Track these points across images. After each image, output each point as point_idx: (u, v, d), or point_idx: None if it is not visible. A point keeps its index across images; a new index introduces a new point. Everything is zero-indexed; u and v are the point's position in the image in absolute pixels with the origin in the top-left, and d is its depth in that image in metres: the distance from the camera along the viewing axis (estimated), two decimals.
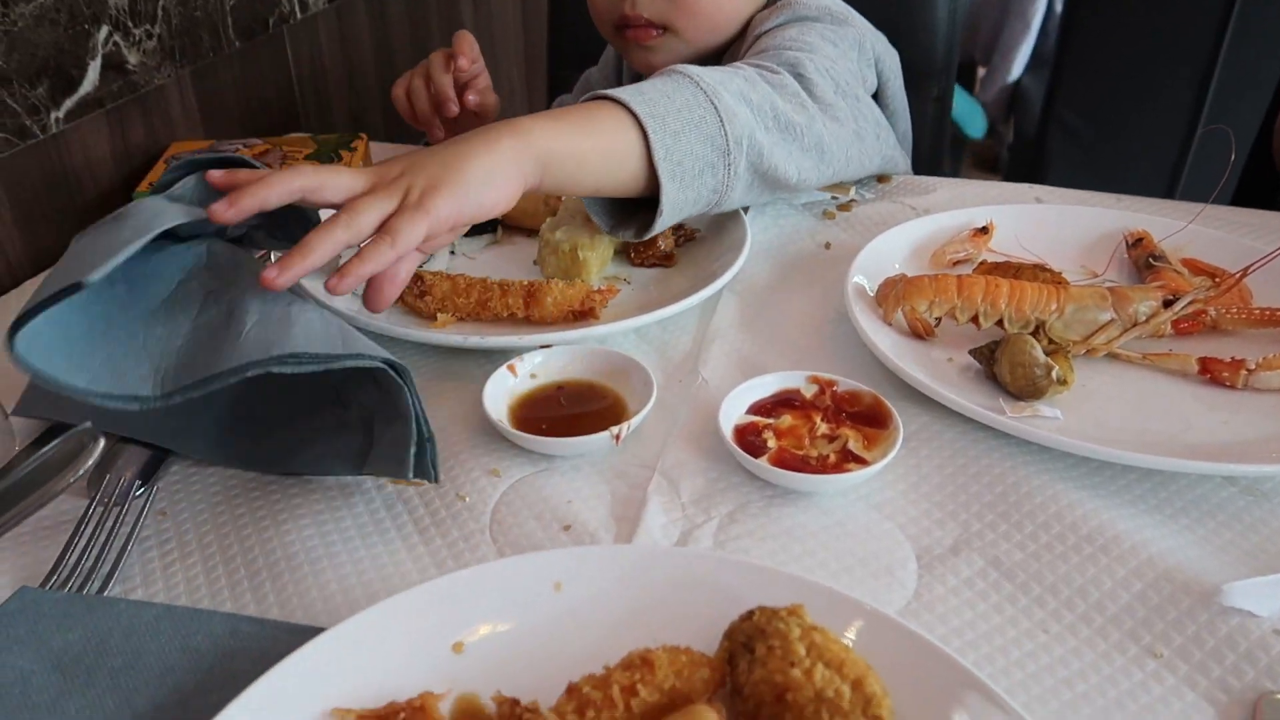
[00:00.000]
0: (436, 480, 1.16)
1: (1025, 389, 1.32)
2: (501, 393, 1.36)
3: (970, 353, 1.41)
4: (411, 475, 1.14)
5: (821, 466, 1.23)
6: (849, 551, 1.14)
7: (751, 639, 0.90)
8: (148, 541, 1.16)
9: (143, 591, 1.09)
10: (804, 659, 0.86)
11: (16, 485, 0.87)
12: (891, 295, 1.49)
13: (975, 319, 1.46)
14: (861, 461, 1.23)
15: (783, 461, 1.23)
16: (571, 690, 0.88)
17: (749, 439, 1.27)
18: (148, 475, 1.23)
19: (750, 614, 0.93)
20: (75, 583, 1.08)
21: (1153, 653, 1.00)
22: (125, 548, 1.12)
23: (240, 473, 1.26)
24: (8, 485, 0.88)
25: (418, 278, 1.53)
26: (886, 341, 1.43)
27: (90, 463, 0.87)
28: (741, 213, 1.81)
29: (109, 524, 1.15)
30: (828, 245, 1.84)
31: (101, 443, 0.89)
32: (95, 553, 1.11)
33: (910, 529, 1.17)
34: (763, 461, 1.21)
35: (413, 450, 1.13)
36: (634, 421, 1.28)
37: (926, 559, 1.13)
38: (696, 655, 0.90)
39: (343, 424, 1.25)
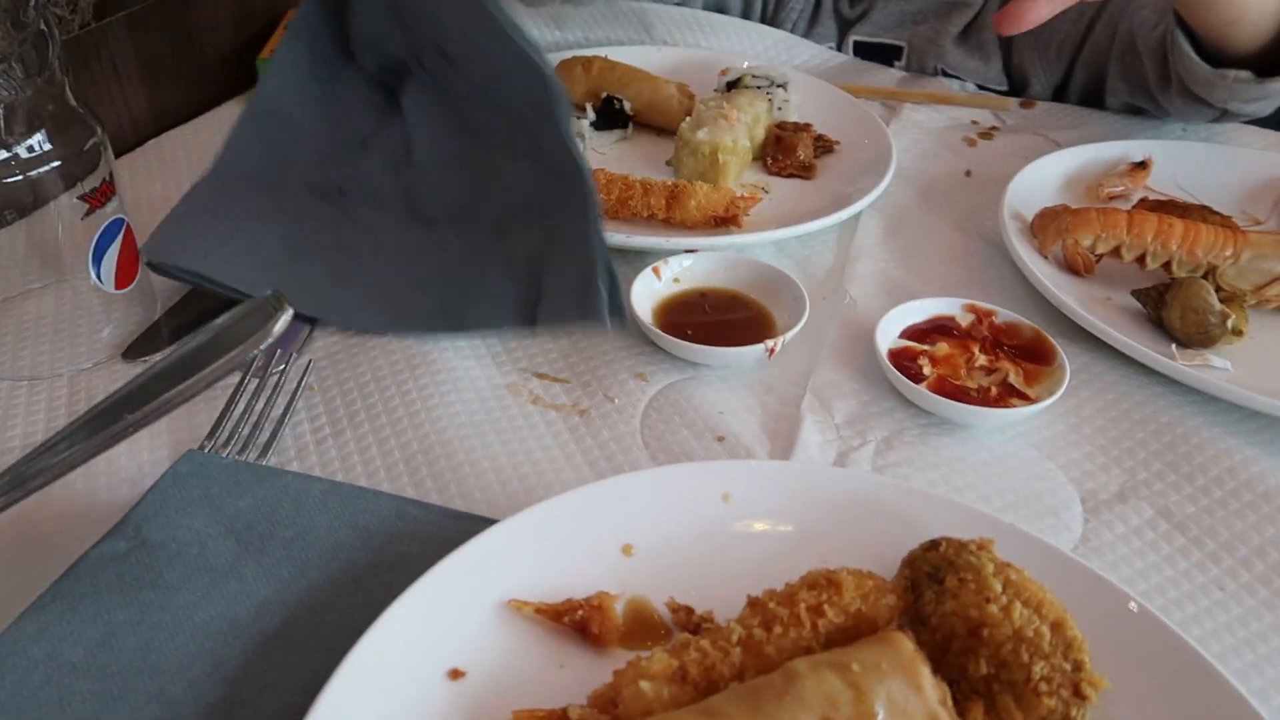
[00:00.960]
0: (624, 322, 1.21)
1: (1196, 336, 1.26)
2: (646, 295, 1.32)
3: (1134, 294, 1.35)
4: (607, 315, 1.18)
5: (982, 399, 1.19)
6: (1010, 489, 1.11)
7: (939, 569, 0.87)
8: (299, 417, 1.16)
9: (298, 465, 1.09)
10: (1000, 595, 0.83)
11: (206, 349, 0.86)
12: (1052, 227, 1.42)
13: (1141, 258, 1.39)
14: (1023, 397, 1.19)
15: (942, 390, 1.19)
16: (755, 604, 0.87)
17: (904, 364, 1.23)
18: (299, 349, 1.22)
19: (935, 544, 0.90)
20: (232, 452, 1.08)
21: None
22: (283, 419, 1.12)
23: (386, 354, 1.25)
24: (197, 348, 0.86)
25: None
26: (1044, 275, 1.37)
27: (279, 327, 0.85)
28: (885, 128, 1.73)
29: (263, 396, 1.14)
30: (968, 173, 1.76)
31: (290, 310, 0.87)
32: (251, 423, 1.11)
33: (1073, 471, 1.13)
34: (923, 389, 1.17)
35: (602, 288, 1.18)
36: (789, 335, 1.24)
37: (1092, 503, 1.09)
38: (881, 580, 0.88)
39: (509, 264, 1.28)
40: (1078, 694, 0.78)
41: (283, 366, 1.19)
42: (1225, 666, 0.88)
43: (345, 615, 0.87)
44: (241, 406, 1.12)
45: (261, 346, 0.86)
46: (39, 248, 1.26)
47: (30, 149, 1.09)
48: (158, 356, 0.86)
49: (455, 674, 0.83)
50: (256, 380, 1.15)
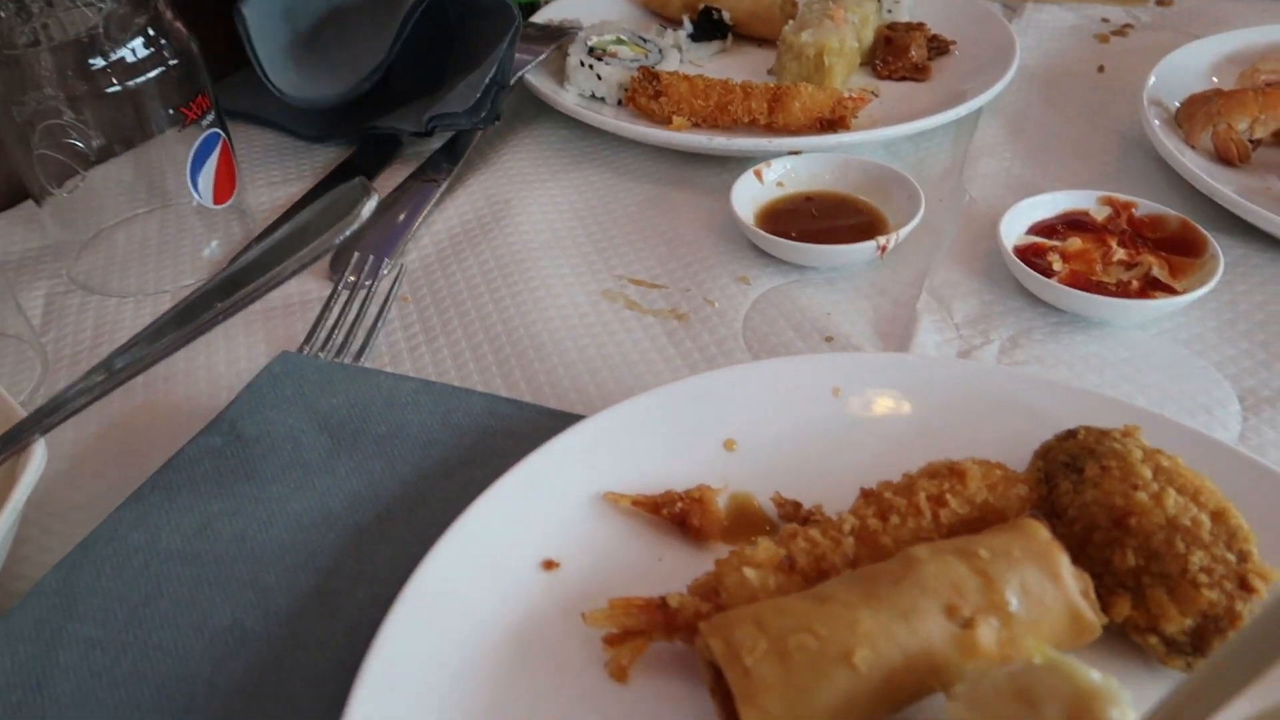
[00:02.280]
0: (495, 119, 1.38)
1: None
2: (747, 199, 1.25)
3: None
4: (480, 119, 1.35)
5: (1121, 293, 1.07)
6: (1155, 386, 1.00)
7: (1077, 458, 0.79)
8: (391, 324, 1.14)
9: (391, 369, 1.07)
10: (1150, 482, 0.74)
11: (293, 237, 0.84)
12: (1201, 112, 1.28)
13: None
14: (1169, 291, 1.07)
15: (1075, 285, 1.08)
16: (869, 495, 0.80)
17: (1032, 260, 1.12)
18: (390, 257, 1.20)
19: (1073, 433, 0.81)
20: (327, 357, 1.06)
21: None
22: (375, 325, 1.10)
23: (479, 263, 1.22)
24: (285, 237, 0.84)
25: (652, 77, 1.42)
26: (1194, 164, 1.24)
27: (366, 211, 0.82)
28: (1008, 25, 1.60)
29: (357, 303, 1.13)
30: (1101, 69, 1.61)
31: (375, 196, 0.84)
32: (344, 330, 1.09)
33: (1229, 368, 1.02)
34: (1054, 283, 1.07)
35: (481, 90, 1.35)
36: (902, 232, 1.15)
37: (1251, 401, 0.98)
38: (1011, 471, 0.80)
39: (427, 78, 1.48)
40: (1244, 586, 0.68)
41: (372, 279, 1.17)
42: None
43: (438, 509, 0.84)
44: (335, 314, 1.11)
45: (348, 231, 0.83)
46: (144, 173, 1.27)
47: (129, 56, 1.09)
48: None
49: (549, 565, 0.79)
50: (348, 291, 1.13)
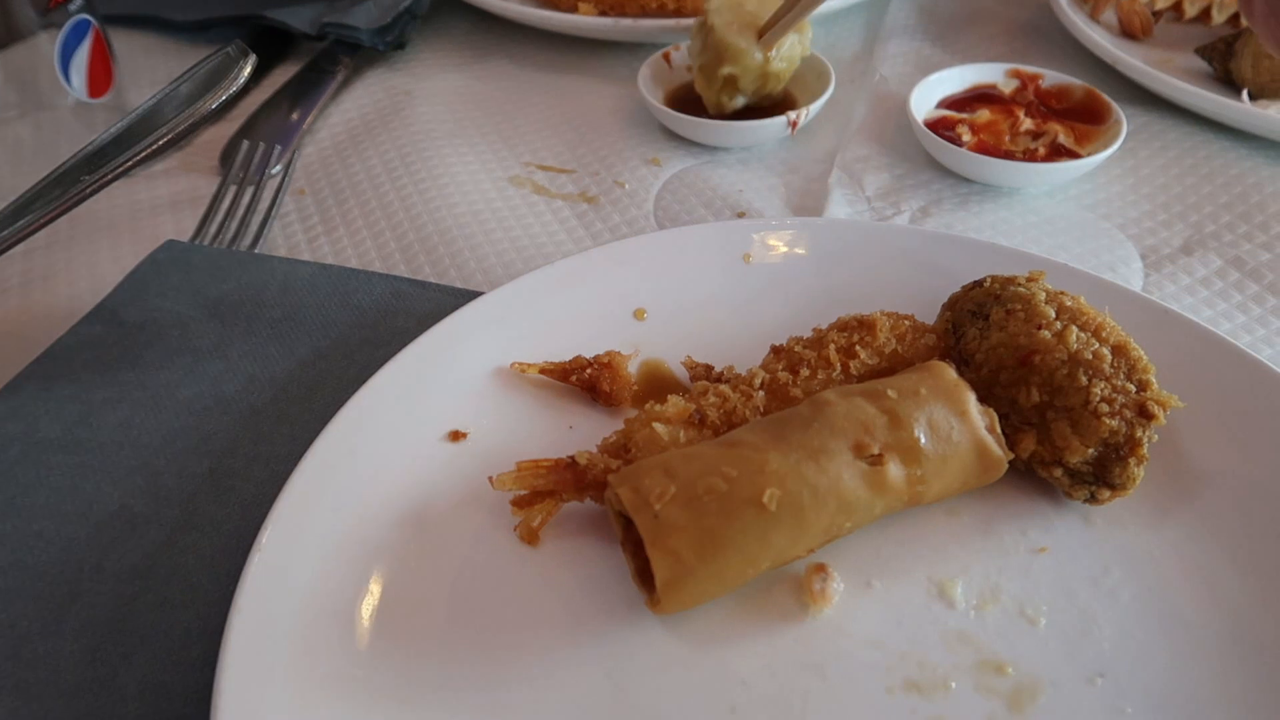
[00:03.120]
0: (400, 48, 1.34)
1: (1270, 84, 1.13)
2: (654, 82, 1.21)
3: (1198, 50, 1.21)
4: (385, 42, 1.30)
5: (1029, 160, 1.07)
6: (1061, 249, 1.01)
7: (984, 305, 0.78)
8: (289, 218, 1.08)
9: None
10: (1054, 321, 0.74)
11: (168, 102, 0.78)
12: None
13: (1207, 12, 1.25)
14: (1075, 157, 1.07)
15: (984, 152, 1.08)
16: (779, 350, 0.79)
17: (941, 132, 1.11)
18: (282, 150, 1.14)
19: (979, 282, 0.81)
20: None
21: None
22: (269, 217, 1.04)
23: (379, 154, 1.16)
24: (158, 102, 0.78)
25: None
26: (1097, 37, 1.24)
27: (243, 79, 0.77)
28: None
29: (246, 197, 1.07)
30: None
31: (252, 60, 0.78)
32: (235, 223, 1.04)
33: (1131, 229, 1.03)
34: (964, 150, 1.06)
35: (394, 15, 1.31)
36: (814, 107, 1.13)
37: (1153, 258, 0.99)
38: (919, 322, 0.79)
39: None
40: (1144, 413, 0.69)
41: (263, 172, 1.11)
42: None
43: (338, 389, 0.81)
44: (225, 207, 1.05)
45: (224, 97, 0.77)
46: (15, 77, 1.19)
47: None
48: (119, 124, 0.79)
49: (456, 435, 0.77)
50: (237, 184, 1.07)
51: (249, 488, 0.75)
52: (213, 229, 1.03)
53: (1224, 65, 1.18)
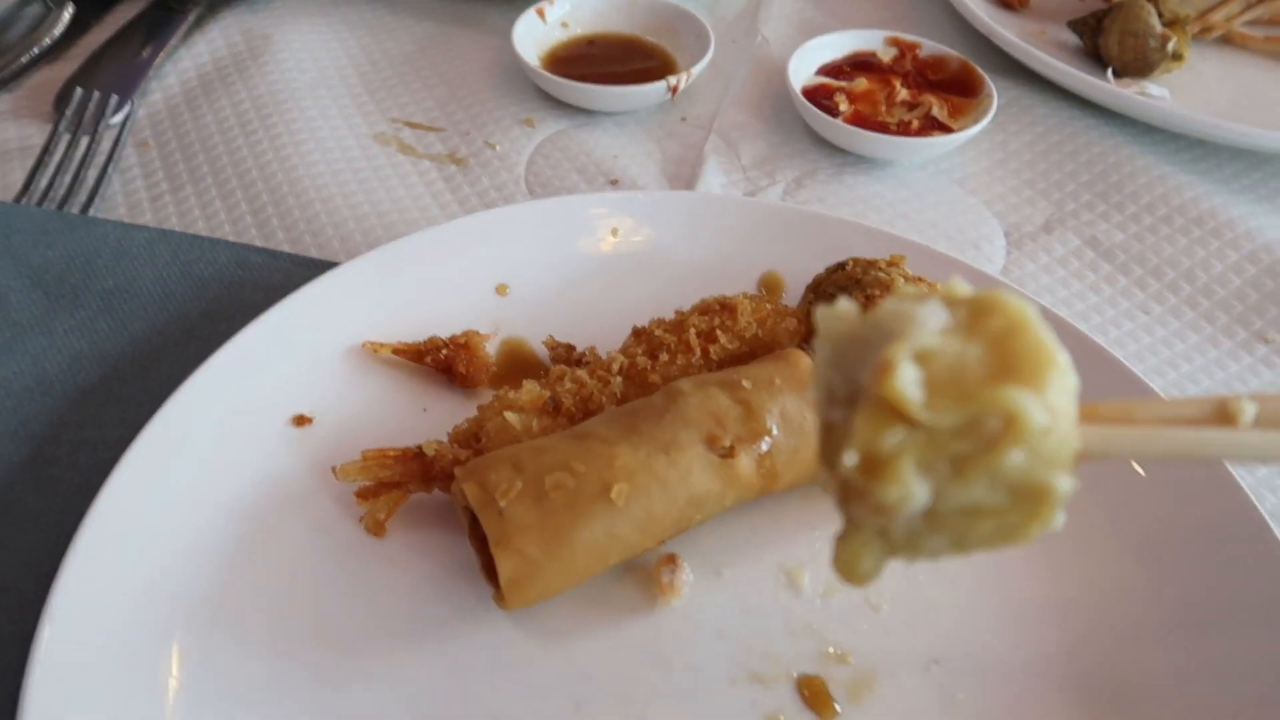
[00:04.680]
0: None
1: (1134, 63, 1.16)
2: (530, 40, 1.17)
3: (1070, 24, 1.23)
4: None
5: (903, 132, 1.08)
6: (930, 224, 1.02)
7: (845, 289, 0.79)
8: (131, 172, 1.01)
9: (129, 221, 0.95)
10: None
11: None
12: None
13: None
14: (947, 130, 1.08)
15: (859, 124, 1.07)
16: (640, 333, 0.77)
17: (819, 101, 1.10)
18: (123, 97, 1.05)
19: (842, 265, 0.81)
20: (50, 208, 0.93)
21: (1264, 338, 0.91)
22: (104, 172, 0.97)
23: (233, 105, 1.09)
24: None
25: None
26: (976, 6, 1.24)
27: (58, 30, 0.70)
28: None
29: (81, 149, 0.99)
30: None
31: (69, 9, 0.71)
32: (68, 179, 0.96)
33: (997, 205, 1.04)
34: (838, 122, 1.05)
35: None
36: (694, 70, 1.11)
37: (1016, 235, 1.01)
38: (781, 305, 0.79)
39: None
40: None
41: (100, 120, 1.02)
42: (1151, 384, 0.82)
43: (175, 367, 0.76)
44: (57, 159, 0.97)
45: (35, 50, 0.70)
46: None
47: None
48: None
49: (300, 420, 0.73)
50: (71, 134, 0.99)
51: (73, 477, 0.70)
52: (42, 184, 0.95)
53: (1093, 41, 1.20)
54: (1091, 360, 0.75)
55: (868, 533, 0.42)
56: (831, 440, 0.41)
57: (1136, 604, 0.67)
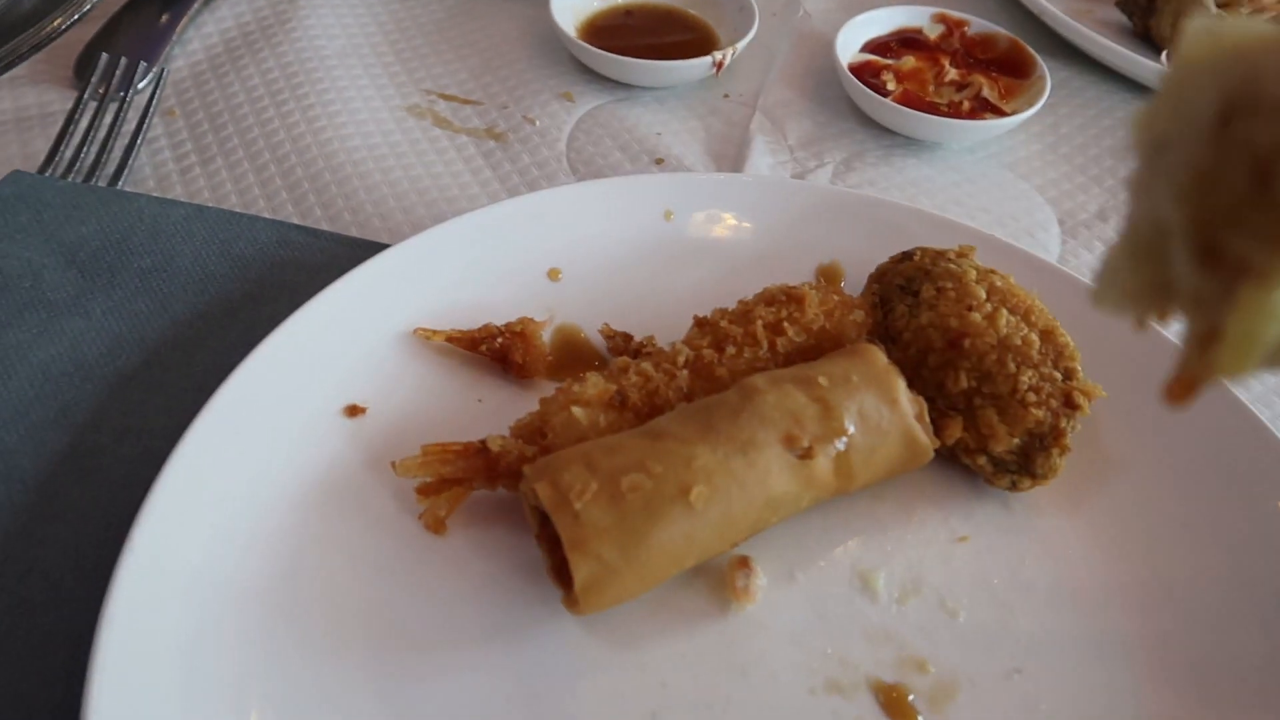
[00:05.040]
0: None
1: None
2: (568, 8, 1.13)
3: (1119, 4, 1.20)
4: None
5: (953, 113, 1.05)
6: (982, 209, 0.99)
7: (913, 281, 0.76)
8: (158, 143, 0.97)
9: (160, 195, 0.92)
10: (985, 303, 0.72)
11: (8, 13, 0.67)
12: None
13: None
14: (998, 112, 1.05)
15: (908, 105, 1.04)
16: (703, 324, 0.75)
17: (866, 79, 1.07)
18: (149, 62, 1.01)
19: (909, 255, 0.79)
20: (77, 180, 0.90)
21: None
22: (135, 143, 0.93)
23: (260, 71, 1.05)
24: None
25: None
26: None
27: (89, 4, 0.66)
28: None
29: (108, 117, 0.95)
30: None
31: None
32: (95, 148, 0.92)
33: (1050, 191, 1.02)
34: (889, 102, 1.02)
35: None
36: (739, 46, 1.07)
37: (1070, 224, 0.98)
38: (847, 296, 0.76)
39: None
40: (1069, 404, 0.68)
41: (127, 88, 0.98)
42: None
43: (219, 353, 0.73)
44: (83, 129, 0.93)
45: (76, 17, 0.67)
46: None
47: None
48: None
49: (354, 410, 0.71)
50: (98, 101, 0.95)
51: (118, 468, 0.67)
52: (68, 155, 0.91)
53: (1144, 22, 1.17)
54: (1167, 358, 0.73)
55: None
56: (1234, 160, 0.29)
57: (1216, 591, 0.65)
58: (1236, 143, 0.28)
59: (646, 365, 0.70)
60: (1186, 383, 0.30)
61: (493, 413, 0.72)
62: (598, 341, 0.79)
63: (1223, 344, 0.29)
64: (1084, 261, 0.94)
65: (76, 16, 0.67)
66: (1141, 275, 0.32)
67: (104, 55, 0.98)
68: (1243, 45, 0.29)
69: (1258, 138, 0.27)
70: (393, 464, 0.65)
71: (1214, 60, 0.29)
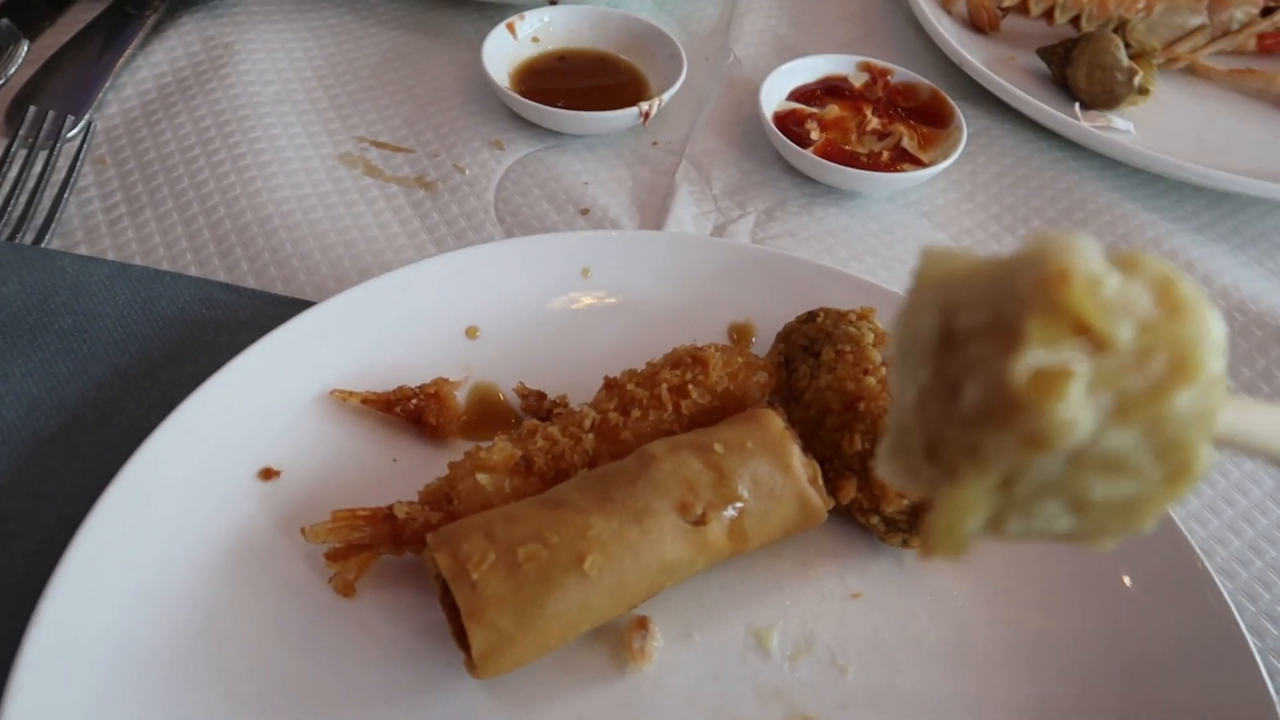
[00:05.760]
0: None
1: (1100, 95, 1.17)
2: (500, 57, 1.15)
3: (1039, 52, 1.24)
4: None
5: (872, 164, 1.08)
6: (898, 260, 1.02)
7: (815, 342, 0.79)
8: (87, 193, 0.98)
9: (87, 249, 0.92)
10: (879, 367, 0.75)
11: None
12: None
13: (1050, 11, 1.27)
14: (917, 162, 1.09)
15: (830, 155, 1.07)
16: (612, 386, 0.77)
17: (790, 128, 1.10)
18: (79, 111, 1.02)
19: (812, 315, 0.82)
20: (3, 234, 0.91)
21: None
22: (63, 195, 0.94)
23: (193, 120, 1.06)
24: None
25: None
26: (947, 31, 1.25)
27: (13, 68, 0.67)
28: None
29: (37, 167, 0.96)
30: None
31: (25, 45, 0.69)
32: (24, 200, 0.93)
33: (965, 240, 1.05)
34: (809, 153, 1.06)
35: None
36: (665, 96, 1.10)
37: None
38: (752, 357, 0.79)
39: None
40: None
41: (56, 139, 0.99)
42: None
43: (138, 414, 0.75)
44: (11, 181, 0.94)
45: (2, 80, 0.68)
46: None
47: None
48: None
49: (268, 473, 0.72)
50: (26, 151, 0.96)
51: (32, 533, 0.68)
52: None
53: (1061, 70, 1.21)
54: None
55: (987, 483, 0.34)
56: (943, 376, 0.34)
57: (1096, 649, 0.69)
58: (945, 364, 0.31)
59: (554, 429, 0.73)
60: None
61: (406, 473, 0.74)
62: (513, 400, 0.81)
63: (931, 533, 0.32)
64: None
65: (12, 69, 0.68)
66: (900, 460, 0.35)
67: (32, 107, 0.98)
68: (952, 276, 0.32)
69: (949, 367, 0.30)
70: (303, 530, 0.67)
71: (936, 287, 0.33)
